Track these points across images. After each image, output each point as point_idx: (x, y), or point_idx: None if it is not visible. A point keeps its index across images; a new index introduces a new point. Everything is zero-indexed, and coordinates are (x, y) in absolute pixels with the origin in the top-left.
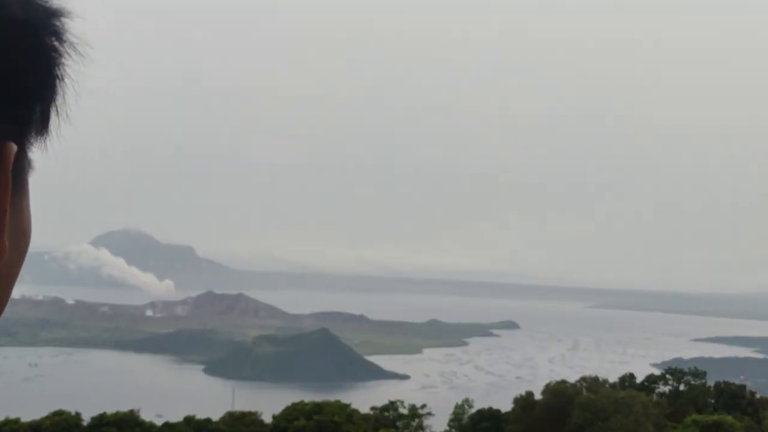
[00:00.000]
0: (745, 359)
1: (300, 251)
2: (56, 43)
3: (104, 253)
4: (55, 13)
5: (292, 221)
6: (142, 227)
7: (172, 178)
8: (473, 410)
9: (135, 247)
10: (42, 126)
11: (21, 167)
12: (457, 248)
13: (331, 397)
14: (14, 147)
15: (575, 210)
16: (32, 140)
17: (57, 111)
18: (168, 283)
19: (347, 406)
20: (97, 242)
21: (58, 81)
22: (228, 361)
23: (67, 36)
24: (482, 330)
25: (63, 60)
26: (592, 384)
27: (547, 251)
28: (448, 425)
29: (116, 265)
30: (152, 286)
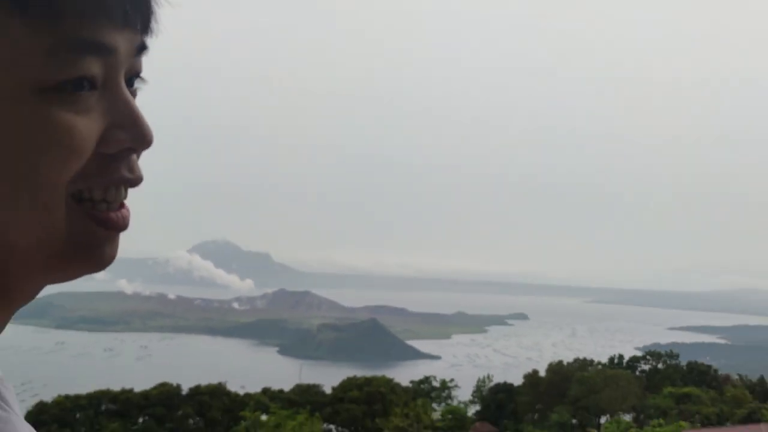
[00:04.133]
0: (711, 344)
1: (353, 257)
2: None
3: (196, 259)
4: None
5: (346, 233)
6: (229, 237)
7: (253, 195)
8: (492, 384)
9: (222, 253)
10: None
11: (75, 83)
12: (477, 254)
13: (379, 373)
14: None
15: (574, 219)
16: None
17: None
18: (249, 282)
19: (391, 380)
20: (192, 251)
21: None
22: (297, 344)
23: None
24: (499, 320)
25: None
26: (587, 364)
27: (550, 256)
28: (472, 396)
29: (206, 268)
30: (236, 285)
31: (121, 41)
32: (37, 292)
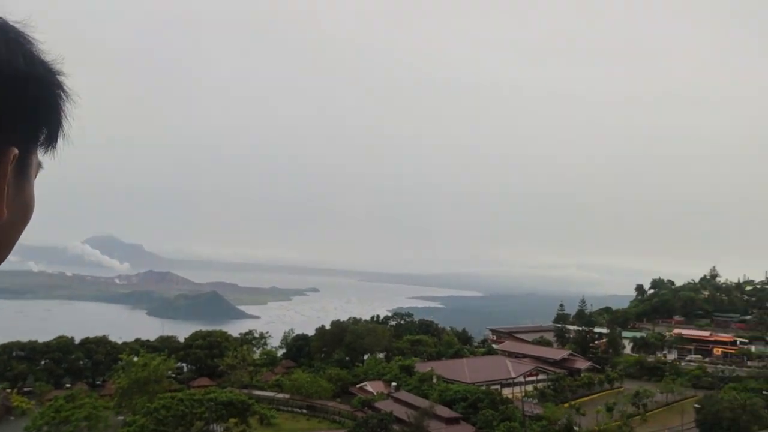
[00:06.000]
0: (433, 308)
1: (201, 248)
2: (56, 90)
3: (87, 248)
4: (54, 71)
5: (196, 230)
6: (112, 232)
7: (131, 201)
8: (294, 335)
9: (107, 244)
10: (49, 142)
11: (26, 163)
12: (286, 246)
13: (217, 328)
14: (15, 150)
15: (350, 226)
16: (39, 149)
17: (61, 134)
18: (126, 265)
19: (226, 332)
20: (85, 242)
21: (58, 114)
22: (160, 308)
23: (63, 86)
24: (299, 292)
25: (61, 101)
26: (356, 321)
27: (334, 249)
28: (280, 343)
29: (94, 255)
30: (117, 267)
31: None
32: None
